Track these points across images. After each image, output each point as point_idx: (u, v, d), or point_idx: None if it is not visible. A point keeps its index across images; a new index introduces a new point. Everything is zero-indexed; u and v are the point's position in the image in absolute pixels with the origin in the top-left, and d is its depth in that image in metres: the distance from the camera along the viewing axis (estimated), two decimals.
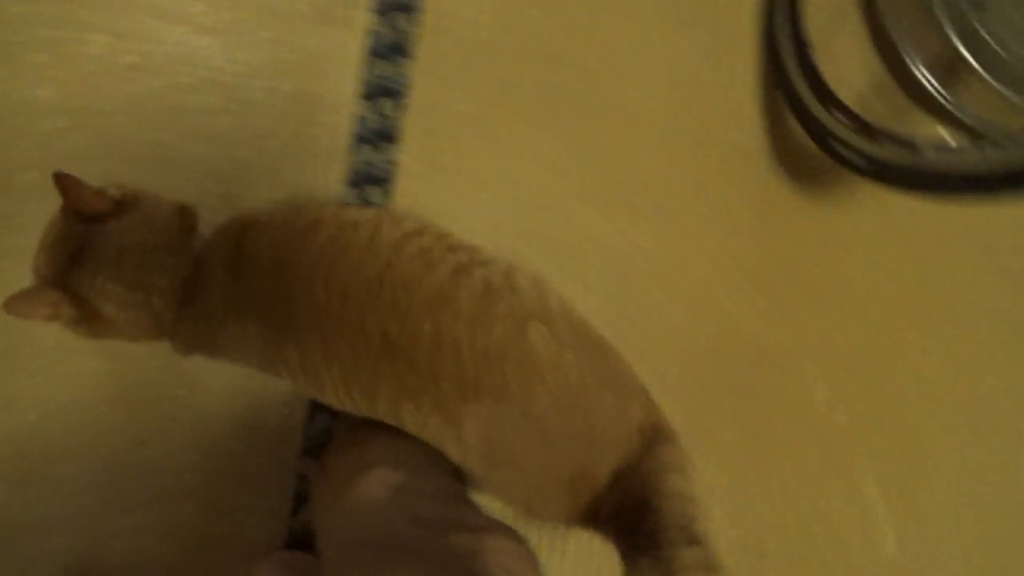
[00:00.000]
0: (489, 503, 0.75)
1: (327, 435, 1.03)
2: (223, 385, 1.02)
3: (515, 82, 1.09)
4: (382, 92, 1.06)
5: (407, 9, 1.07)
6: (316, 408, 1.03)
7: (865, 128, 0.89)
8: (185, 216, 0.76)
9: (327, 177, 1.05)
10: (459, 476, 0.73)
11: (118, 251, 0.70)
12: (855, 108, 0.93)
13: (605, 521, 0.65)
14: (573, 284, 1.07)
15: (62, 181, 0.69)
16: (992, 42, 1.04)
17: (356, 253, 0.66)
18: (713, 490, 1.13)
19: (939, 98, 1.10)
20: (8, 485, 0.97)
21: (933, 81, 1.10)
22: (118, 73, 1.03)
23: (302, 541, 1.01)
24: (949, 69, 1.09)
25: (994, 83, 1.06)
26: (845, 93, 0.97)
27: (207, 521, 1.01)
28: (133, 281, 0.70)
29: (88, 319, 0.71)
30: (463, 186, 1.08)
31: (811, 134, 0.99)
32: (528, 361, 0.64)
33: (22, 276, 0.75)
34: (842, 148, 0.92)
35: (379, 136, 1.05)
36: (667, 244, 1.09)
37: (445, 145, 1.08)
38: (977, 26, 1.05)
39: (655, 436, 0.68)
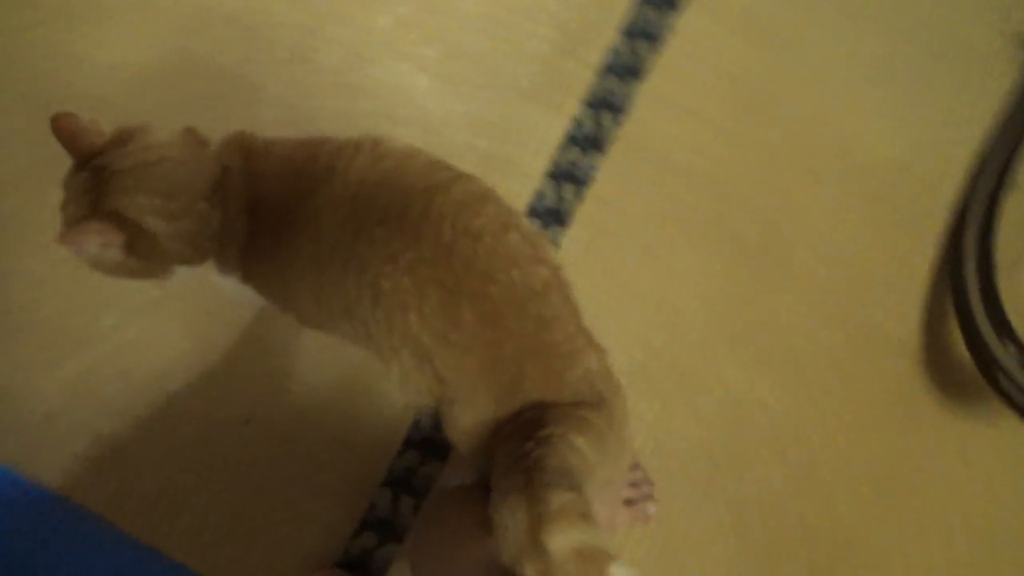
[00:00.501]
0: None
1: (410, 473, 1.05)
2: (330, 395, 1.06)
3: (692, 207, 1.12)
4: (568, 177, 1.10)
5: (616, 110, 1.12)
6: (408, 445, 1.06)
7: None
8: (193, 133, 0.76)
9: None
10: None
11: (145, 166, 0.70)
12: None
13: (499, 443, 0.66)
14: (684, 410, 1.07)
15: (59, 121, 0.69)
16: None
17: (366, 156, 0.72)
18: None
19: None
20: (120, 418, 1.04)
21: None
22: (340, 87, 1.12)
23: (355, 564, 1.03)
24: None
25: None
26: (1019, 323, 0.95)
27: (274, 519, 1.04)
28: (169, 191, 0.71)
29: (137, 243, 0.70)
30: (611, 286, 1.10)
31: (974, 354, 0.97)
32: (502, 249, 0.67)
33: None
34: (1005, 380, 0.90)
35: (552, 215, 1.09)
36: (790, 406, 1.08)
37: (608, 243, 1.11)
38: None
39: (594, 399, 0.68)
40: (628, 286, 1.10)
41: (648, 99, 1.13)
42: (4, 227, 1.06)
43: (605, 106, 1.12)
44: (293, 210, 0.71)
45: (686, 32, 1.16)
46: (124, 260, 0.71)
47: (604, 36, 1.14)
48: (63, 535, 1.03)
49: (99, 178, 0.68)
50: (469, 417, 0.69)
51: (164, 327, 1.06)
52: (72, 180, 0.70)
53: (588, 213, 1.11)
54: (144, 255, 0.71)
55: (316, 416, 1.06)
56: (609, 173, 1.12)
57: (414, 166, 0.72)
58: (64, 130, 0.69)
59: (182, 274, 0.77)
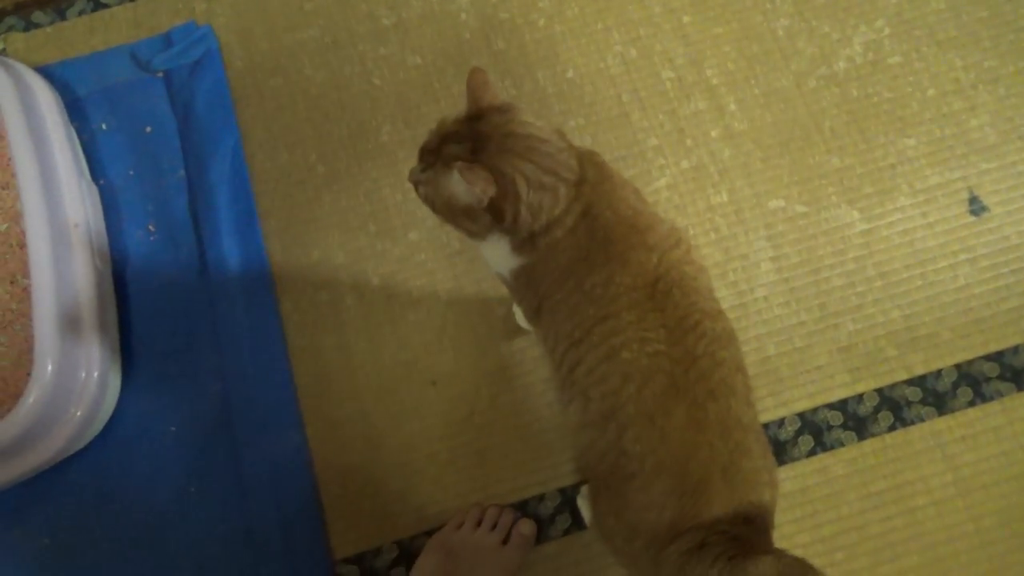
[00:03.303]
0: None
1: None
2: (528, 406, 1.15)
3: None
4: (815, 432, 1.11)
5: (900, 419, 1.11)
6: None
7: None
8: (563, 135, 0.83)
9: None
10: None
11: (533, 139, 0.78)
12: None
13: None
14: None
15: (475, 74, 0.79)
16: None
17: (680, 253, 0.81)
18: None
19: None
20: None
21: None
22: (707, 227, 1.21)
23: None
24: None
25: None
26: None
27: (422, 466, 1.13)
28: (546, 167, 0.78)
29: (498, 199, 0.77)
30: None
31: None
32: (731, 381, 0.77)
33: None
34: None
35: (776, 446, 1.11)
36: None
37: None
38: None
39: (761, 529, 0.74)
40: None
41: (929, 434, 1.11)
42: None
43: (892, 407, 1.12)
44: (604, 248, 0.80)
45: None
46: (468, 208, 0.79)
47: (942, 358, 1.14)
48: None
49: (484, 133, 0.78)
50: (642, 499, 0.76)
51: (441, 271, 1.21)
52: (457, 125, 0.80)
53: (807, 470, 1.10)
54: (494, 212, 0.79)
55: (501, 410, 1.15)
56: (851, 458, 1.10)
57: (702, 284, 0.82)
58: (475, 82, 0.80)
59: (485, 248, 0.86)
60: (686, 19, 1.30)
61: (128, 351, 1.19)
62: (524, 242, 0.82)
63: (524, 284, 0.87)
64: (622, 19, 1.30)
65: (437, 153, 0.80)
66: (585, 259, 0.80)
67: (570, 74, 1.28)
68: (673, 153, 1.23)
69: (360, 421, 1.15)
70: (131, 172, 1.26)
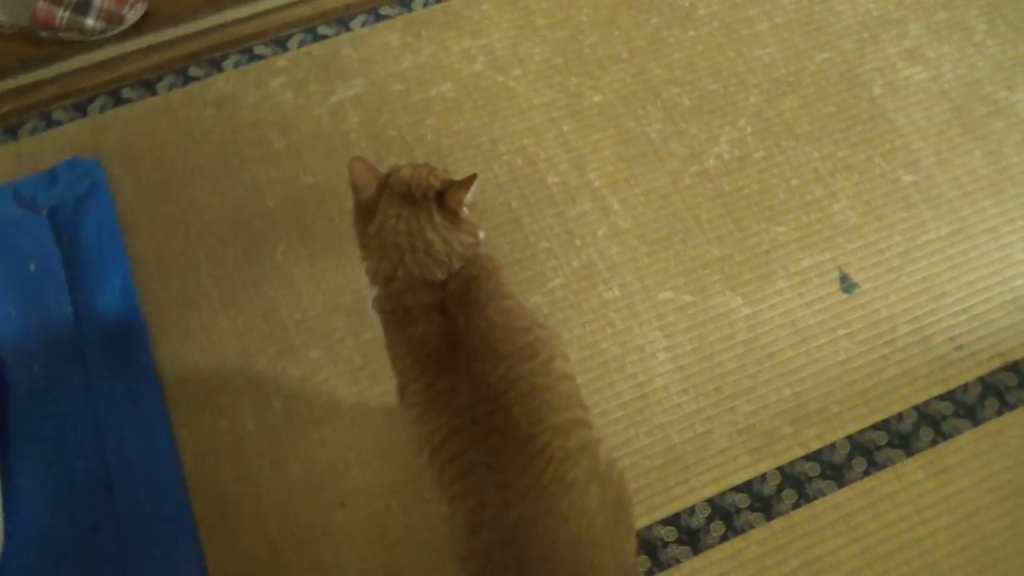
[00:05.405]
0: None
1: None
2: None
3: None
4: (724, 516, 1.13)
5: (802, 495, 1.13)
6: None
7: None
8: (465, 244, 0.92)
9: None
10: None
11: (419, 233, 0.89)
12: None
13: None
14: None
15: (359, 165, 0.92)
16: None
17: (537, 364, 0.83)
18: None
19: None
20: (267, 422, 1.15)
21: None
22: (601, 320, 1.25)
23: None
24: None
25: None
26: None
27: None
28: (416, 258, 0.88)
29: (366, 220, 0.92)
30: None
31: None
32: (581, 503, 0.77)
33: None
34: None
35: (688, 535, 1.11)
36: None
37: None
38: None
39: None
40: None
41: (831, 507, 1.13)
42: None
43: (794, 484, 1.15)
44: (452, 354, 0.83)
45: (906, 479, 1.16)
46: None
47: (834, 431, 1.18)
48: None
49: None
50: None
51: (344, 387, 1.19)
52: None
53: (721, 556, 1.11)
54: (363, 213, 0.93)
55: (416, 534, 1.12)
56: (761, 539, 1.12)
57: (557, 394, 0.82)
58: (359, 170, 0.92)
59: None
60: (566, 128, 1.38)
61: (12, 497, 1.11)
62: (377, 299, 0.92)
63: (390, 354, 0.91)
64: (506, 131, 1.37)
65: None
66: (436, 358, 0.83)
67: None
68: (564, 253, 1.28)
69: (265, 550, 1.10)
70: (13, 312, 1.22)
